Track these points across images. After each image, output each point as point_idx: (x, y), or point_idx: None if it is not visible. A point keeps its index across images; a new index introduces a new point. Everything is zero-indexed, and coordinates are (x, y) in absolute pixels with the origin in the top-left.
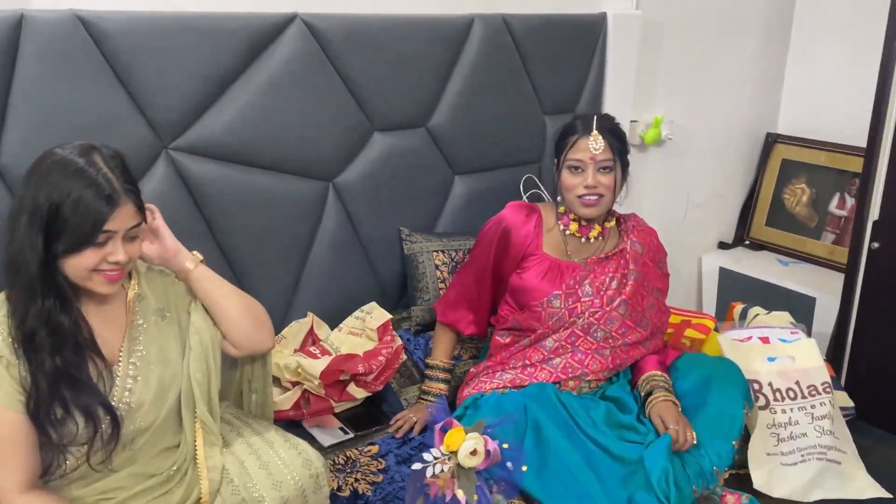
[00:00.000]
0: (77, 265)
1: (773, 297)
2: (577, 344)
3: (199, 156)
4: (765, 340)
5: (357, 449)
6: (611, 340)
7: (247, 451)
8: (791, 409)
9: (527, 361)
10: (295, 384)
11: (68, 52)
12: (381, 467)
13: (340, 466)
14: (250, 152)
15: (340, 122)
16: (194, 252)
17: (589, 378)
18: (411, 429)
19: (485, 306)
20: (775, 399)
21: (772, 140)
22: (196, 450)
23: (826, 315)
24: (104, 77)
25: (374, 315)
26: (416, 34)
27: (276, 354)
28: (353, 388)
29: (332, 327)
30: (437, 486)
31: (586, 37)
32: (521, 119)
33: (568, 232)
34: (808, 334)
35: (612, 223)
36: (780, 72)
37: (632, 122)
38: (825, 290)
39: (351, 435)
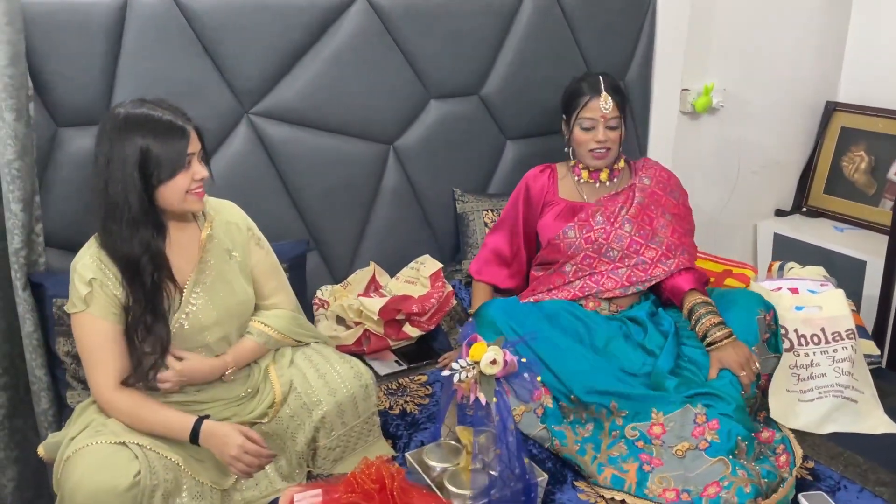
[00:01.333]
0: (175, 189)
1: (825, 262)
2: (594, 266)
3: (275, 120)
4: (794, 291)
5: (409, 377)
6: (626, 259)
7: (308, 365)
8: (813, 353)
9: (551, 286)
10: (357, 324)
11: (164, 29)
12: (428, 393)
13: (393, 391)
14: (319, 117)
15: (399, 91)
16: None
17: (606, 296)
18: None
19: (521, 259)
20: (799, 343)
21: (831, 108)
22: (267, 369)
23: (876, 277)
24: (193, 50)
25: (427, 265)
26: (469, 8)
27: (341, 297)
28: (408, 328)
29: (392, 276)
30: (462, 390)
31: (636, 5)
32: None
33: (581, 180)
34: (858, 299)
35: (622, 164)
36: (842, 39)
37: (683, 90)
38: (877, 254)
39: (404, 367)
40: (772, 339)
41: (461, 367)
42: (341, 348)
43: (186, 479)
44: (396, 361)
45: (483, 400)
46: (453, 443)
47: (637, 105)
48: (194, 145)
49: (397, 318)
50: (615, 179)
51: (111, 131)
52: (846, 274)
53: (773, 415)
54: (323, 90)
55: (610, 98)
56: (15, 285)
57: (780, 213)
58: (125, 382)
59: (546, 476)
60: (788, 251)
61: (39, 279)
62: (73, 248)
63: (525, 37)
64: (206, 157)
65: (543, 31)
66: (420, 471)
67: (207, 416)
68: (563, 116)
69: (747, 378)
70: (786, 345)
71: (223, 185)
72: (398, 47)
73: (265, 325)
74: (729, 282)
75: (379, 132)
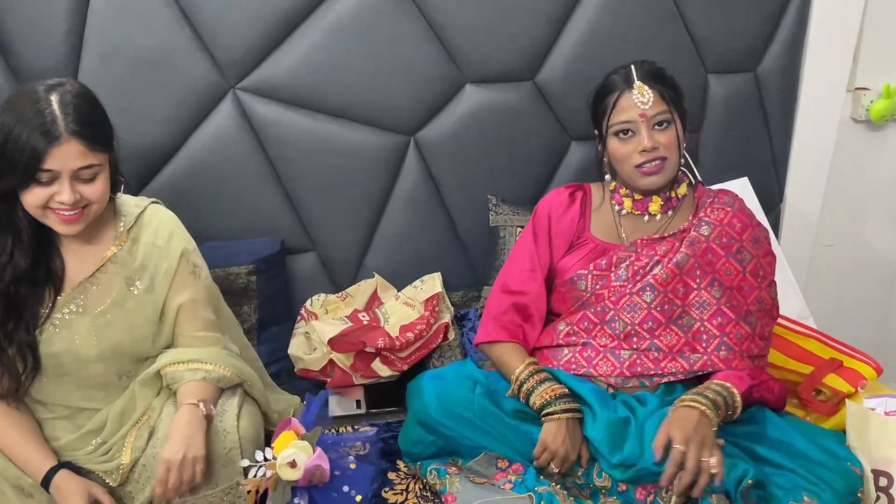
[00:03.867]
0: (27, 202)
1: None
2: (592, 334)
3: (265, 98)
4: None
5: (364, 424)
6: (634, 339)
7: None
8: None
9: (536, 345)
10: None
11: None
12: (362, 453)
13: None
14: (317, 97)
15: (423, 71)
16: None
17: (598, 382)
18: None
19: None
20: None
21: None
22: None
23: None
24: (169, 13)
25: (427, 286)
26: None
27: (335, 310)
28: (377, 365)
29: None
30: (250, 492)
31: None
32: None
33: (624, 211)
34: None
35: (683, 190)
36: None
37: (856, 89)
38: None
39: (361, 411)
40: None
41: (265, 458)
42: (305, 373)
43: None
44: (357, 402)
45: None
46: None
47: (775, 107)
48: (63, 162)
49: (366, 349)
50: (670, 213)
51: (2, 104)
52: None
53: None
54: (323, 65)
55: (647, 88)
56: None
57: None
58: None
59: None
60: None
61: None
62: None
63: (604, 8)
64: (95, 177)
65: (632, 0)
66: None
67: (69, 464)
68: (594, 129)
69: (682, 456)
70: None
71: (200, 169)
72: (422, 15)
73: (200, 362)
74: (831, 379)
75: (394, 120)
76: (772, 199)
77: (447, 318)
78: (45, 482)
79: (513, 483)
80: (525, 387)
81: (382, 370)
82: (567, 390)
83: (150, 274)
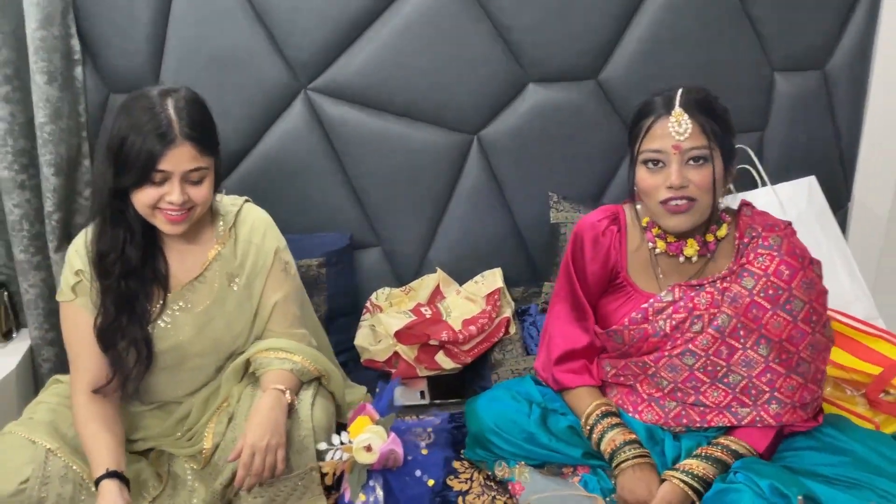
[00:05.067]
0: (140, 201)
1: None
2: (637, 380)
3: (335, 98)
4: None
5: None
6: (679, 394)
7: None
8: None
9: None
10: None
11: None
12: (427, 441)
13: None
14: (384, 97)
15: (486, 71)
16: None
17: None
18: None
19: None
20: None
21: None
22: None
23: None
24: (244, 16)
25: (488, 280)
26: None
27: (399, 303)
28: (441, 358)
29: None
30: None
31: None
32: (736, 75)
33: (657, 251)
34: None
35: (723, 232)
36: None
37: None
38: None
39: (425, 402)
40: None
41: (341, 442)
42: (372, 363)
43: (87, 495)
44: (422, 392)
45: (347, 496)
46: None
47: (844, 105)
48: (175, 163)
49: (430, 342)
50: (708, 255)
51: (118, 108)
52: None
53: None
54: (390, 66)
55: (686, 117)
56: (49, 246)
57: None
58: (100, 391)
59: None
60: None
61: None
62: None
63: (667, 4)
64: (202, 180)
65: None
66: None
67: (119, 474)
68: (630, 151)
69: None
70: None
71: (272, 166)
72: (487, 16)
73: (287, 352)
74: None
75: (458, 119)
76: (839, 198)
77: (508, 312)
78: (97, 482)
79: (581, 477)
80: (595, 432)
81: (445, 362)
82: (635, 435)
83: (248, 271)
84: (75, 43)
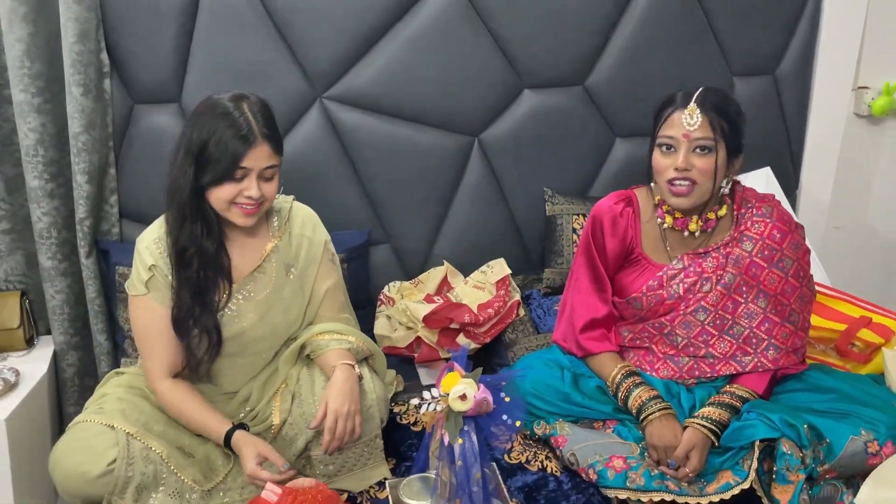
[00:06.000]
0: (218, 196)
1: None
2: (653, 341)
3: (349, 105)
4: None
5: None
6: (691, 349)
7: (319, 373)
8: None
9: None
10: (410, 328)
11: (236, 7)
12: None
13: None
14: (395, 104)
15: (487, 79)
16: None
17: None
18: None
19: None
20: None
21: None
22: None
23: None
24: (265, 30)
25: (495, 269)
26: None
27: (409, 295)
28: (461, 339)
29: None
30: (427, 425)
31: None
32: (702, 79)
33: (665, 225)
34: None
35: (723, 212)
36: None
37: (859, 88)
38: None
39: None
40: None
41: (432, 397)
42: (392, 350)
43: (167, 474)
44: None
45: (447, 439)
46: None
47: (791, 105)
48: (256, 160)
49: (451, 326)
50: (709, 230)
51: (193, 114)
52: None
53: (859, 503)
54: (400, 75)
55: (698, 111)
56: (80, 252)
57: None
58: (176, 375)
59: None
60: None
61: (107, 246)
62: (146, 220)
63: (645, 20)
64: (273, 177)
65: (667, 11)
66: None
67: (243, 426)
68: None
69: (681, 475)
70: None
71: (292, 170)
72: (487, 30)
73: (341, 334)
74: (864, 333)
75: (462, 123)
76: (790, 186)
77: (517, 296)
78: (227, 440)
79: (612, 429)
80: (621, 391)
81: (466, 344)
82: (657, 391)
83: (302, 262)
84: (104, 56)
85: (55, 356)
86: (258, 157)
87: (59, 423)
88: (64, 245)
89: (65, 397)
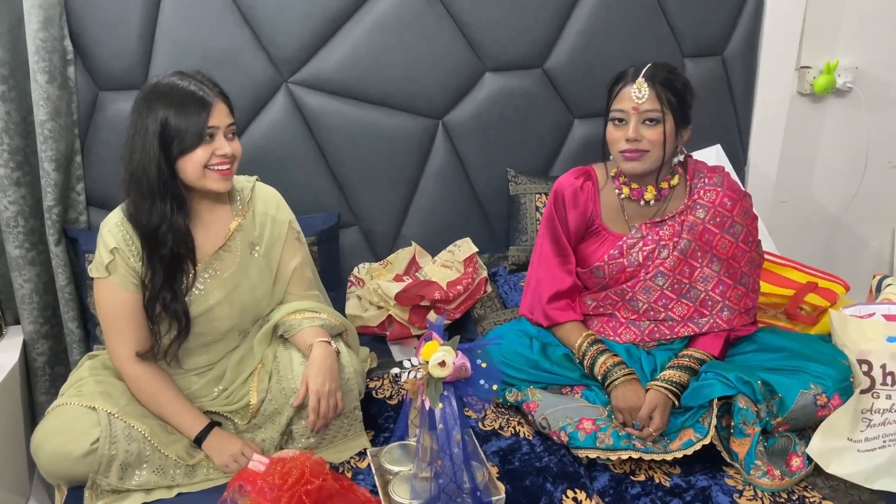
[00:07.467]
0: (194, 163)
1: None
2: (615, 307)
3: (314, 90)
4: (891, 318)
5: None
6: (651, 313)
7: (296, 350)
8: None
9: None
10: (381, 307)
11: None
12: None
13: (397, 380)
14: (360, 88)
15: (450, 63)
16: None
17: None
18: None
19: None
20: (883, 383)
21: None
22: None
23: None
24: (231, 17)
25: (462, 248)
26: None
27: (378, 276)
28: (432, 315)
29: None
30: (409, 391)
31: None
32: (655, 60)
33: (622, 196)
34: None
35: (675, 181)
36: None
37: (802, 67)
38: None
39: None
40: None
41: (412, 365)
42: (365, 329)
43: (151, 451)
44: (416, 348)
45: (427, 404)
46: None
47: (739, 84)
48: (219, 119)
49: (421, 304)
50: (664, 199)
51: (140, 101)
52: None
53: (810, 451)
54: (365, 60)
55: (646, 85)
56: (48, 241)
57: None
58: (143, 356)
59: (503, 495)
60: None
61: (75, 234)
62: (113, 207)
63: (599, 2)
64: (234, 135)
65: None
66: (375, 471)
67: (218, 424)
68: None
69: (646, 434)
70: (865, 384)
71: (259, 154)
72: (449, 15)
73: (313, 312)
74: (811, 298)
75: (426, 106)
76: (739, 162)
77: (484, 273)
78: (198, 440)
79: (580, 394)
80: (587, 359)
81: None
82: (620, 358)
83: (266, 240)
84: (68, 43)
85: (25, 345)
86: (220, 115)
87: (31, 412)
88: (32, 234)
89: (36, 386)
